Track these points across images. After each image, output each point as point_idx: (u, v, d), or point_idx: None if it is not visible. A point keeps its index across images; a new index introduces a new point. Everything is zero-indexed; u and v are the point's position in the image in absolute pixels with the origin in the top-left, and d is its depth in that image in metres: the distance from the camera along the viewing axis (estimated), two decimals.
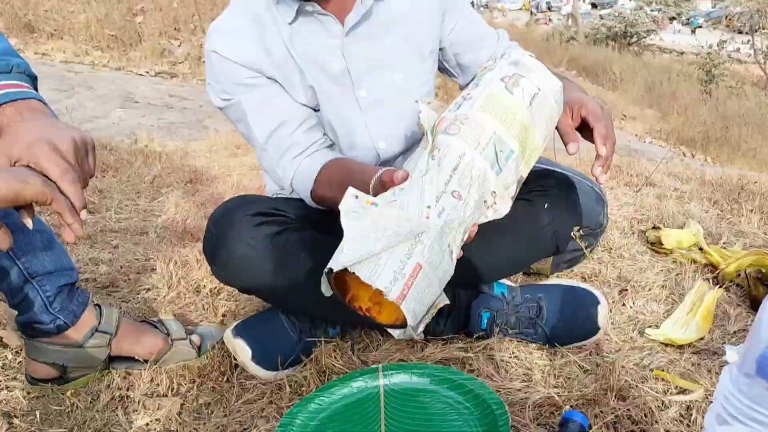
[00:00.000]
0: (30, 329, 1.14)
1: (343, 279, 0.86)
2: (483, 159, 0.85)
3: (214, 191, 2.23)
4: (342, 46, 1.15)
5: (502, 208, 0.91)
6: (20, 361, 1.22)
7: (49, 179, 0.78)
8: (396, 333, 0.94)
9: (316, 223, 1.20)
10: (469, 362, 1.24)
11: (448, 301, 0.90)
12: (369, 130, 1.21)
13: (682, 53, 19.77)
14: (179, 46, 7.78)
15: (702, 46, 15.96)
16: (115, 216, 1.96)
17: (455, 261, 0.86)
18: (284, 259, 1.12)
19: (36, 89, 0.91)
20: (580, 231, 1.21)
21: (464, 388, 1.03)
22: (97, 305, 1.21)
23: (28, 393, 1.17)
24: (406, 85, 1.21)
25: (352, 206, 0.80)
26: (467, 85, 1.04)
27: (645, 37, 18.81)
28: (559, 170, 1.68)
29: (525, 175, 0.93)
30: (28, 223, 0.79)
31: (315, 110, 1.20)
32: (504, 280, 1.36)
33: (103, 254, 1.67)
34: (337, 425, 1.00)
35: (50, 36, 7.12)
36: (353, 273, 0.78)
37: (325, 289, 0.85)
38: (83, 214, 0.80)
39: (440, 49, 1.28)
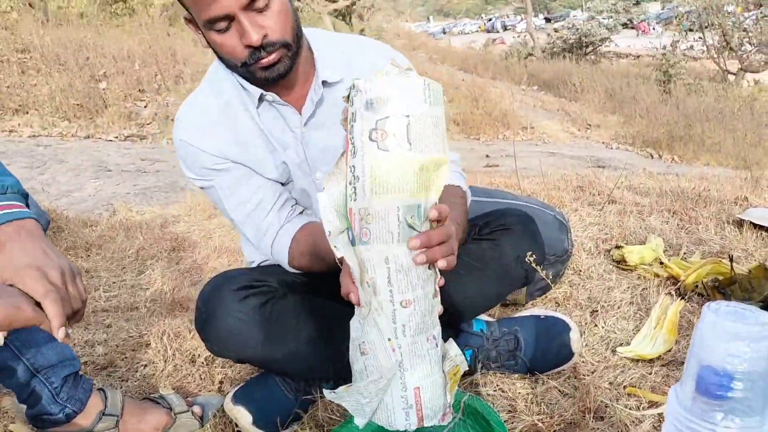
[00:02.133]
0: (40, 421, 1.21)
1: None
2: (401, 242, 0.87)
3: (197, 257, 2.31)
4: (300, 137, 1.24)
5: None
6: None
7: (34, 299, 0.87)
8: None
9: (298, 286, 1.29)
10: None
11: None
12: None
13: (638, 56, 20.28)
14: (145, 107, 7.87)
15: (657, 48, 16.42)
16: (104, 294, 2.02)
17: (439, 339, 0.95)
18: (272, 327, 1.20)
19: (27, 206, 1.00)
20: (534, 257, 1.29)
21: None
22: (101, 389, 1.28)
23: None
24: None
25: (339, 395, 0.94)
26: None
27: (600, 45, 19.28)
28: (520, 203, 1.79)
29: (437, 199, 0.91)
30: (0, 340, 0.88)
31: (284, 183, 1.29)
32: (482, 315, 1.45)
33: (97, 335, 1.73)
34: None
35: (15, 112, 7.16)
36: None
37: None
38: (61, 332, 0.88)
39: None
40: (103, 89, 7.85)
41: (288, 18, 1.12)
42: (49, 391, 1.19)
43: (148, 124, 7.50)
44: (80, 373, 1.26)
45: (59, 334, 0.88)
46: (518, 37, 22.48)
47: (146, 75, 8.29)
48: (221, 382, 1.48)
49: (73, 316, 0.96)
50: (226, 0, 1.04)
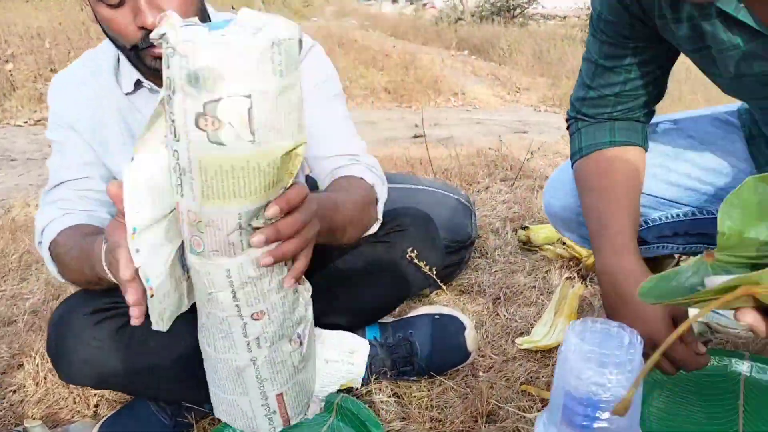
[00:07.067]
0: None
1: None
2: (245, 250, 0.69)
3: None
4: None
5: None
6: None
7: None
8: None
9: None
10: None
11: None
12: None
13: (565, 17, 20.49)
14: None
15: (581, 8, 16.59)
16: None
17: (306, 333, 0.82)
18: (133, 351, 1.08)
19: None
20: (414, 251, 1.19)
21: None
22: None
23: None
24: None
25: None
26: None
27: (527, 8, 19.36)
28: (423, 187, 1.70)
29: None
30: None
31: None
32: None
33: None
34: None
35: None
36: None
37: None
38: None
39: None
40: (10, 71, 7.38)
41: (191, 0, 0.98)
42: None
43: None
44: None
45: None
46: (448, 0, 22.35)
47: (58, 54, 7.82)
48: (96, 406, 1.35)
49: None
50: None
